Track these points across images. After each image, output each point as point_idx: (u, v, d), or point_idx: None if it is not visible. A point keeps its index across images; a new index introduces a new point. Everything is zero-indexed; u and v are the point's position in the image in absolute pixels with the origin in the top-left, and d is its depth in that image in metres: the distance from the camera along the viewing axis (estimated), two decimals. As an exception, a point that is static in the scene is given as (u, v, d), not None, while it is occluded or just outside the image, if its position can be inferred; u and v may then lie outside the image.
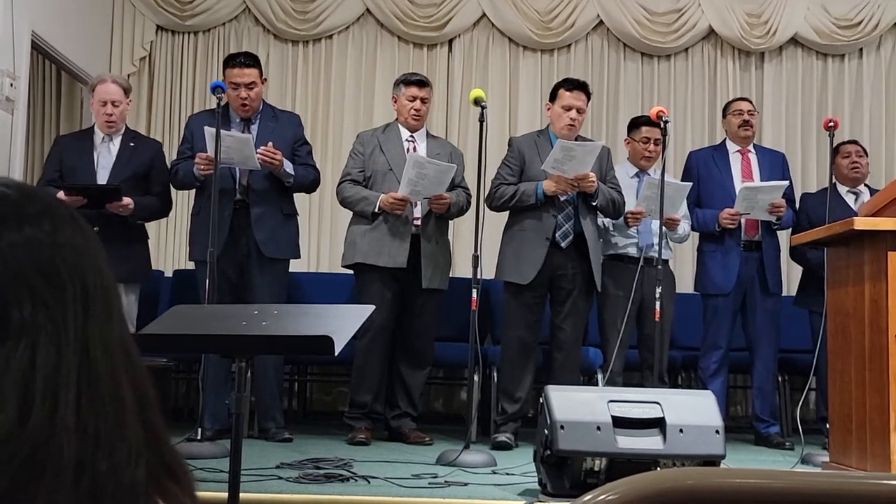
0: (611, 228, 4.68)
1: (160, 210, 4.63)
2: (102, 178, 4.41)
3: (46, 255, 0.65)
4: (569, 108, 4.49)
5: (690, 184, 4.75)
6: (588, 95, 4.58)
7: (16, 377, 0.62)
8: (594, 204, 4.45)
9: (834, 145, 4.73)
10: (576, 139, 4.52)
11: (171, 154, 5.98)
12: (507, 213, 4.62)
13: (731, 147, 5.05)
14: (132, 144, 4.51)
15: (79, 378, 0.64)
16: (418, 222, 4.47)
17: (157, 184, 4.56)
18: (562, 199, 4.42)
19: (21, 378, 0.62)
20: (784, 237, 5.18)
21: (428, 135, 4.73)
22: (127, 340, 0.69)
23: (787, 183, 4.80)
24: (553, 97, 4.59)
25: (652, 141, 4.79)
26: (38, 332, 0.63)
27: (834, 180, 5.13)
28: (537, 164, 4.43)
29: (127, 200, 4.26)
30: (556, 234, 4.41)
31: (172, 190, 4.68)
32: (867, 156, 5.23)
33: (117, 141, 4.49)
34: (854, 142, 5.28)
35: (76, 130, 5.32)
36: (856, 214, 4.06)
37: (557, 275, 4.45)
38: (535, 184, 4.40)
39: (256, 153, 4.22)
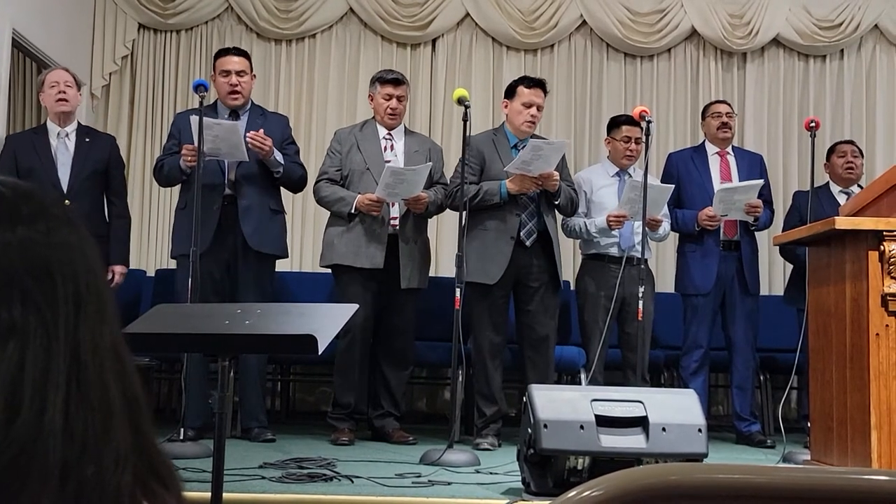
0: (592, 230, 4.69)
1: (128, 222, 4.68)
2: (63, 174, 4.37)
3: (40, 256, 0.65)
4: (529, 105, 4.50)
5: (673, 186, 4.76)
6: (546, 93, 4.60)
7: (3, 378, 0.61)
8: (557, 202, 4.46)
9: (817, 146, 4.75)
10: (531, 137, 4.54)
11: (153, 152, 5.99)
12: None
13: (710, 149, 5.08)
14: (87, 140, 4.49)
15: (68, 380, 0.63)
16: (395, 222, 4.46)
17: (117, 180, 4.56)
18: (523, 197, 4.43)
19: (9, 379, 0.61)
20: (762, 237, 5.21)
21: (406, 131, 4.72)
22: (118, 343, 0.68)
23: (762, 182, 4.83)
24: (511, 94, 4.59)
25: (633, 140, 4.80)
26: (28, 334, 0.62)
27: (827, 179, 5.18)
28: (497, 162, 4.44)
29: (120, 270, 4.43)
30: (521, 233, 4.42)
31: (155, 186, 4.66)
32: (863, 156, 5.27)
33: (73, 136, 4.45)
34: (850, 142, 5.33)
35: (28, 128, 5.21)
36: (847, 213, 4.10)
37: (523, 273, 4.46)
38: (499, 183, 4.40)
39: (246, 137, 4.19)
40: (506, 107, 4.62)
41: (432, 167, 4.47)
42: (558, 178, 4.39)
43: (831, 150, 5.23)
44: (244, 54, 4.57)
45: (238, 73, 4.42)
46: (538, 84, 4.56)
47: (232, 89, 4.41)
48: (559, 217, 4.69)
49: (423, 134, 5.38)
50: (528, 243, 4.43)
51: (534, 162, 4.28)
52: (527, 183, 4.35)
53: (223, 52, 4.56)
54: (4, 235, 0.64)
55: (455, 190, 4.44)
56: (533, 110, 4.51)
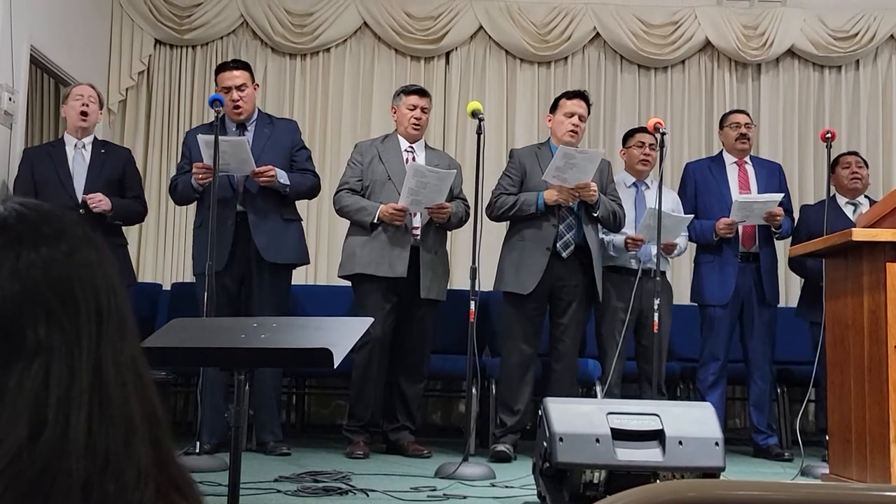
0: (610, 250, 4.68)
1: (137, 212, 4.65)
2: (78, 185, 4.43)
3: (63, 276, 0.66)
4: (571, 115, 4.53)
5: (692, 217, 4.74)
6: (588, 104, 4.62)
7: (29, 396, 0.62)
8: (595, 215, 4.46)
9: (832, 156, 4.74)
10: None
11: (168, 167, 6.03)
12: (507, 224, 4.64)
13: (728, 158, 5.05)
14: (103, 151, 4.55)
15: (90, 397, 0.64)
16: (417, 232, 4.47)
17: (132, 189, 4.59)
18: (563, 208, 4.42)
19: (34, 397, 0.62)
20: (782, 248, 5.18)
21: (426, 146, 4.75)
22: (138, 360, 0.69)
23: (780, 196, 4.79)
24: (554, 108, 4.64)
25: (647, 145, 4.81)
26: (53, 352, 0.63)
27: (833, 191, 5.13)
28: (538, 175, 4.44)
29: (101, 196, 4.29)
30: (557, 244, 4.42)
31: (171, 201, 4.69)
32: (868, 167, 5.23)
33: (89, 148, 4.52)
34: (854, 153, 5.28)
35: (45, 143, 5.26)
36: (854, 226, 4.07)
37: (558, 285, 4.45)
38: (536, 193, 4.42)
39: (252, 177, 4.24)
40: (549, 121, 4.67)
41: (455, 174, 4.47)
42: (595, 189, 4.39)
43: (835, 163, 5.17)
44: (244, 66, 4.56)
45: (238, 88, 4.42)
46: (579, 95, 4.61)
47: (234, 105, 4.43)
48: (600, 236, 4.67)
49: (439, 148, 5.39)
50: (564, 255, 4.42)
51: (568, 171, 4.28)
52: (564, 193, 4.36)
53: (222, 68, 4.55)
54: (29, 256, 0.65)
55: (494, 200, 4.45)
56: (575, 119, 4.54)
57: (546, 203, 4.38)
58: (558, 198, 4.37)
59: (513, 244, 4.49)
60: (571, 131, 4.51)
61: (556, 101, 4.66)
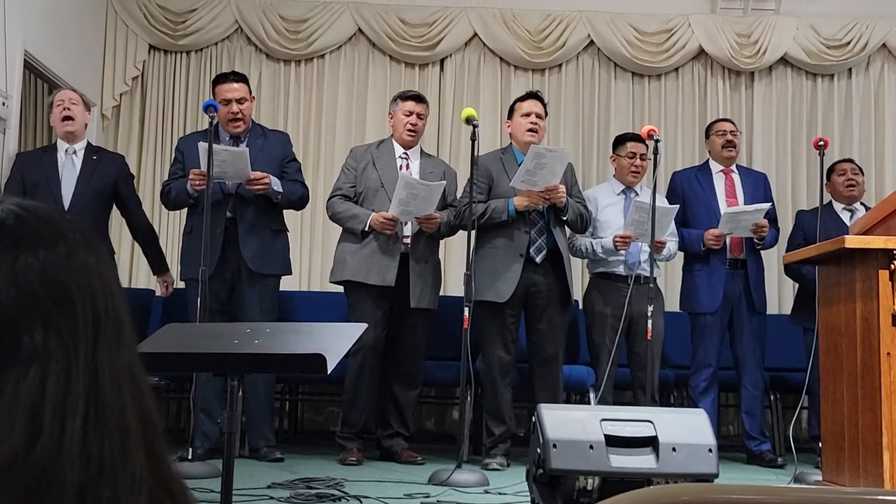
0: (598, 251, 4.68)
1: (152, 229, 4.80)
2: (67, 191, 4.43)
3: (60, 280, 0.65)
4: (528, 114, 4.55)
5: (677, 206, 4.76)
6: (544, 104, 4.65)
7: (24, 403, 0.62)
8: (565, 218, 4.46)
9: (826, 164, 4.75)
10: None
11: (162, 172, 6.02)
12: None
13: (715, 167, 5.07)
14: (95, 158, 4.54)
15: (86, 404, 0.64)
16: (408, 241, 4.47)
17: (127, 194, 4.62)
18: (533, 213, 4.43)
19: (29, 404, 0.62)
20: (770, 255, 5.19)
21: (422, 153, 4.74)
22: (135, 366, 0.69)
23: (768, 206, 4.82)
24: (511, 114, 4.66)
25: (638, 156, 4.81)
26: (49, 359, 0.63)
27: (829, 198, 5.15)
28: (504, 180, 4.45)
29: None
30: (530, 250, 4.42)
31: (158, 205, 4.70)
32: (863, 174, 5.25)
33: (81, 153, 4.51)
34: (849, 160, 5.31)
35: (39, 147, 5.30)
36: (852, 232, 4.08)
37: (532, 291, 4.45)
38: (506, 200, 4.41)
39: (249, 178, 4.24)
40: (509, 126, 4.68)
41: (445, 188, 4.47)
42: (564, 191, 4.40)
43: (831, 170, 5.19)
44: (243, 79, 4.57)
45: (238, 101, 4.44)
46: (532, 95, 4.65)
47: (234, 117, 4.43)
48: (570, 233, 4.69)
49: (433, 154, 5.39)
50: (537, 260, 4.43)
51: (538, 173, 4.28)
52: (534, 198, 4.36)
53: (222, 79, 4.54)
54: (27, 259, 0.64)
55: (463, 209, 4.45)
56: (532, 118, 4.55)
57: (516, 209, 4.38)
58: (529, 203, 4.37)
59: (485, 252, 4.45)
60: (530, 130, 4.53)
61: (512, 106, 4.69)
